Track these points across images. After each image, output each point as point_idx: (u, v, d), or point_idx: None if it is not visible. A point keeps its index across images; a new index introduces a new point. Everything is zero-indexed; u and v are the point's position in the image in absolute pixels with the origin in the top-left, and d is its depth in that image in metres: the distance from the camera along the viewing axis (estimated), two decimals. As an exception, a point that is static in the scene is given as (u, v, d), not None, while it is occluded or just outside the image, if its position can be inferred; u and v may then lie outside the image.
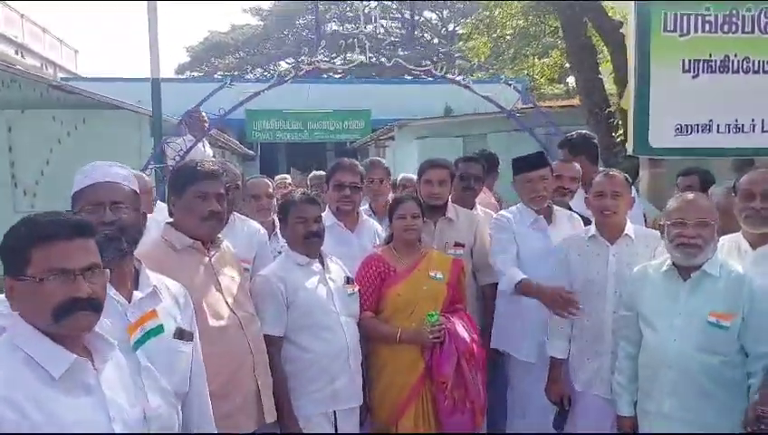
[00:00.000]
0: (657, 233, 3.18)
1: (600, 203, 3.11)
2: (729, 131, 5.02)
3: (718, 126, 5.01)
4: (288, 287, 2.85)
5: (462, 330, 3.13)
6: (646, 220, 4.11)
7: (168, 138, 6.75)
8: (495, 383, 3.62)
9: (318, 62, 7.31)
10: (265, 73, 32.66)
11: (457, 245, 3.66)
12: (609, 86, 8.73)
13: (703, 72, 4.96)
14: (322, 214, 3.61)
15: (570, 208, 3.82)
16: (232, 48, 35.12)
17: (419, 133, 11.31)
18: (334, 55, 33.98)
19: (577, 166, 4.10)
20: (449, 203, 3.78)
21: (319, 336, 2.85)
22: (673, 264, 2.67)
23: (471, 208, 4.04)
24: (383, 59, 31.87)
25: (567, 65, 10.19)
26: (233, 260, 2.63)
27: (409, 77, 20.47)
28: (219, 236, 2.55)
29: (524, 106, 10.27)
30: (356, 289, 3.09)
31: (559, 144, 4.52)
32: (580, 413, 3.18)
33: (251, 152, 17.99)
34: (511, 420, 3.58)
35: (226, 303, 2.42)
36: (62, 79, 15.25)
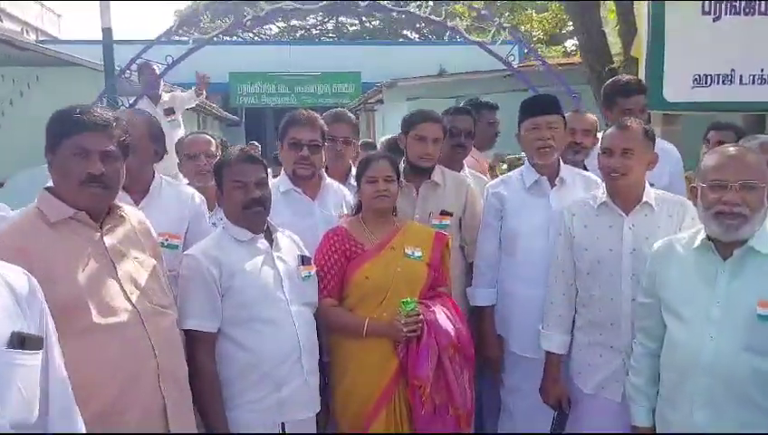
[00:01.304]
0: (684, 199, 2.62)
1: (607, 162, 2.52)
2: (753, 82, 4.44)
3: (741, 77, 4.45)
4: (223, 270, 2.28)
5: (444, 320, 2.56)
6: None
7: (119, 96, 6.08)
8: (485, 375, 3.07)
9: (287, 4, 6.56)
10: (255, 38, 31.76)
11: (444, 214, 3.07)
12: (614, 40, 8.08)
13: (725, 13, 4.38)
14: (276, 178, 3.05)
15: (585, 169, 3.23)
16: (221, 12, 34.02)
17: (410, 94, 10.65)
18: (326, 19, 33.07)
19: (591, 117, 3.48)
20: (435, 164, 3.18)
21: (261, 332, 2.28)
22: (708, 238, 2.09)
23: (459, 171, 3.44)
24: (375, 22, 31.13)
25: (566, 18, 9.49)
26: (143, 236, 2.04)
27: (401, 39, 19.66)
28: (120, 204, 1.96)
29: (523, 64, 9.59)
30: (313, 271, 2.51)
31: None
32: (587, 418, 2.63)
33: (234, 118, 17.28)
34: (503, 420, 3.03)
35: (124, 293, 1.84)
36: (39, 42, 14.46)
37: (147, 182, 2.60)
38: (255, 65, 16.16)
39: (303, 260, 2.50)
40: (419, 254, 2.67)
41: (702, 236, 2.12)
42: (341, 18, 32.66)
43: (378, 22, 30.99)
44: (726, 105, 4.47)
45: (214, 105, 14.36)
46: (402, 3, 8.05)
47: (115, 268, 1.85)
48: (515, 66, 8.30)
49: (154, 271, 1.99)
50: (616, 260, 2.52)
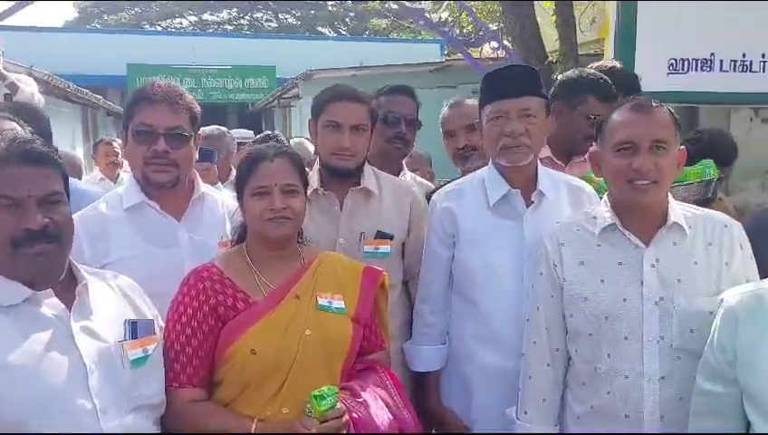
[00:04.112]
0: (726, 217, 1.77)
1: (629, 163, 1.65)
2: (735, 69, 3.78)
3: (721, 62, 3.75)
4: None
5: (382, 413, 1.61)
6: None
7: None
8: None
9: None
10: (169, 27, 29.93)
11: (381, 237, 2.13)
12: (549, 31, 7.41)
13: (705, -12, 3.68)
14: (118, 188, 2.01)
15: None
16: (124, 2, 31.83)
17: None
18: (241, 15, 31.61)
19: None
20: (366, 164, 2.21)
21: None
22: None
23: (398, 173, 2.49)
24: (291, 19, 30.01)
25: (497, 10, 8.81)
26: None
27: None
28: None
29: (450, 58, 8.85)
30: (152, 347, 1.48)
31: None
32: None
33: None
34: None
35: None
36: None
37: None
38: (157, 58, 14.71)
39: (136, 328, 1.47)
40: (340, 304, 1.70)
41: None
42: (257, 14, 31.33)
43: (294, 19, 29.88)
44: (705, 96, 3.80)
45: (95, 96, 12.80)
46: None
47: None
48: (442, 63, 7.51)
49: None
50: (633, 316, 1.66)
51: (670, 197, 1.75)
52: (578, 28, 6.96)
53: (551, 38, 7.40)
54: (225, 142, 3.95)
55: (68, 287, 1.47)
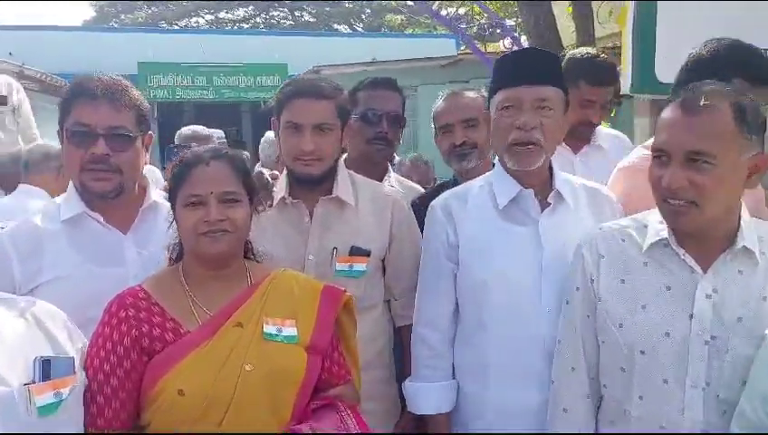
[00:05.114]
0: None
1: (660, 178, 1.38)
2: (764, 61, 3.45)
3: (751, 53, 3.42)
4: None
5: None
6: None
7: None
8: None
9: None
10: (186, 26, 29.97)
11: (356, 253, 1.87)
12: (566, 24, 7.11)
13: (732, -28, 3.34)
14: (57, 198, 1.78)
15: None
16: (141, 2, 31.95)
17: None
18: (257, 13, 31.55)
19: (478, 99, 2.33)
20: (340, 168, 1.93)
21: None
22: None
23: (381, 178, 2.23)
24: (306, 16, 29.87)
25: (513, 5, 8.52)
26: None
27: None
28: None
29: (463, 52, 8.59)
30: (68, 390, 1.26)
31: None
32: None
33: (142, 112, 15.62)
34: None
35: None
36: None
37: None
38: (171, 56, 14.59)
39: (45, 371, 1.21)
40: (291, 331, 1.46)
41: None
42: (273, 12, 31.23)
43: (309, 16, 29.73)
44: (731, 91, 3.44)
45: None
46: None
47: None
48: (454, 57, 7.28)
49: None
50: (675, 355, 1.37)
51: (745, 212, 1.43)
52: (596, 20, 6.67)
53: (567, 30, 7.11)
54: (212, 143, 3.76)
55: None
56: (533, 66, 1.71)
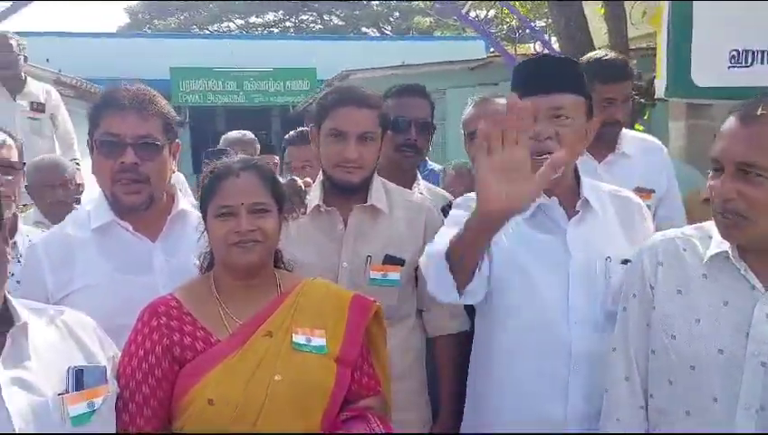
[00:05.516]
0: None
1: (713, 190, 1.35)
2: (809, 62, 3.33)
3: (794, 53, 3.32)
4: None
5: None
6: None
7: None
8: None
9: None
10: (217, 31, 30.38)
11: (390, 261, 1.85)
12: (598, 25, 7.01)
13: (771, -31, 3.25)
14: (87, 205, 1.80)
15: None
16: (173, 8, 32.48)
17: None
18: (286, 17, 31.82)
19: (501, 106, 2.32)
20: (375, 177, 1.94)
21: None
22: None
23: (410, 186, 2.21)
24: (335, 20, 30.03)
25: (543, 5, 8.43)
26: None
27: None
28: None
29: (492, 54, 8.53)
30: (101, 400, 1.28)
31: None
32: None
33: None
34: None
35: None
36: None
37: None
38: (201, 61, 14.81)
39: (77, 380, 1.22)
40: (320, 342, 1.45)
41: None
42: (302, 16, 31.47)
43: (338, 20, 29.88)
44: (773, 91, 3.34)
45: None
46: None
47: None
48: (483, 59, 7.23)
49: None
50: (729, 374, 1.32)
51: None
52: (629, 22, 6.56)
53: (599, 32, 7.00)
54: (256, 148, 3.81)
55: (1, 330, 1.25)
56: (547, 74, 1.67)
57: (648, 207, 2.01)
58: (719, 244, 1.38)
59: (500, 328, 1.72)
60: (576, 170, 1.74)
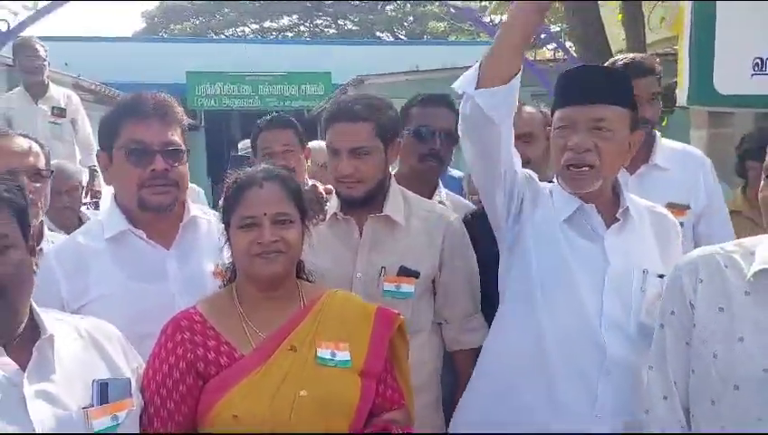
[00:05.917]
0: None
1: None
2: (834, 69, 3.28)
3: (819, 61, 3.27)
4: None
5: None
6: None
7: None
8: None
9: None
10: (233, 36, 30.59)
11: (404, 274, 1.82)
12: (615, 30, 6.95)
13: (796, -26, 3.20)
14: (99, 215, 1.80)
15: None
16: (189, 12, 32.71)
17: (381, 94, 9.37)
18: (301, 21, 31.95)
19: (534, 113, 2.31)
20: (392, 186, 1.91)
21: None
22: None
23: (431, 195, 2.19)
24: (350, 24, 30.10)
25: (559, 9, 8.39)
26: None
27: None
28: None
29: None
30: (125, 413, 1.28)
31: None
32: None
33: (191, 121, 15.90)
34: None
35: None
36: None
37: None
38: (214, 65, 14.90)
39: (101, 393, 1.22)
40: (344, 356, 1.44)
41: None
42: (317, 21, 31.58)
43: (353, 24, 29.95)
44: (798, 100, 3.29)
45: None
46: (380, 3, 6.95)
47: None
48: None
49: None
50: None
51: None
52: (647, 26, 6.50)
53: (617, 38, 6.95)
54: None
55: (28, 342, 1.25)
56: (589, 85, 1.66)
57: (682, 224, 1.96)
58: (765, 260, 1.34)
59: (540, 321, 1.69)
60: (616, 183, 1.73)
